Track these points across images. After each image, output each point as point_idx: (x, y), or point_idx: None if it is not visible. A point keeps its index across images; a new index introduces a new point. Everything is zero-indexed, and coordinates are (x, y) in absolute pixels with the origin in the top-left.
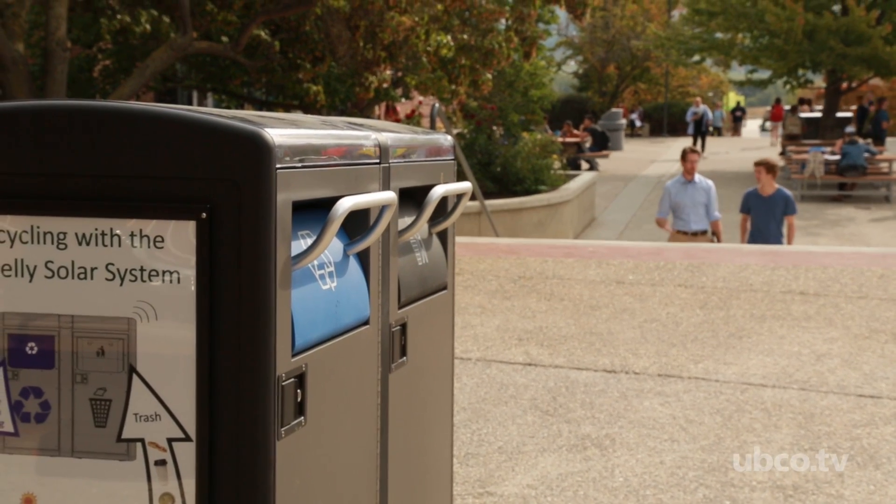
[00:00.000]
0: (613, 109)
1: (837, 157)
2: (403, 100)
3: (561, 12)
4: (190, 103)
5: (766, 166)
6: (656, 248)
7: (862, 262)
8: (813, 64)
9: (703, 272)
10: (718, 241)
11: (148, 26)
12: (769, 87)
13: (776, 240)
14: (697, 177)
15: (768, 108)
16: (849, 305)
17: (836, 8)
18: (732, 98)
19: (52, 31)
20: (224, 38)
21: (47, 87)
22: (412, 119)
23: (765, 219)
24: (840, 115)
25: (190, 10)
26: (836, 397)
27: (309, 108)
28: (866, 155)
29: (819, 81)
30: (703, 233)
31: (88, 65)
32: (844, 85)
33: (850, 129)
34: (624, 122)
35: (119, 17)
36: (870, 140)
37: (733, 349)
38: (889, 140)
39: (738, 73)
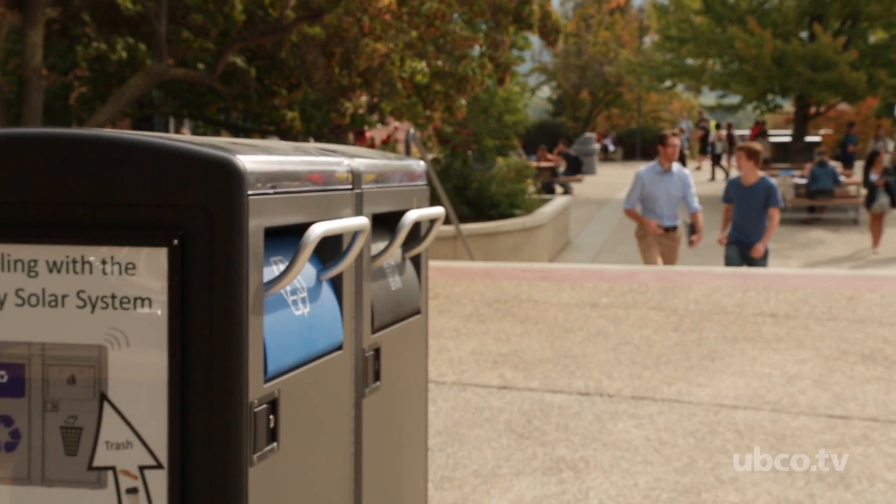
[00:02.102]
0: (587, 134)
1: (806, 181)
2: (379, 125)
3: (534, 39)
4: (167, 130)
5: (746, 152)
6: (630, 270)
7: (831, 284)
8: (782, 89)
9: (675, 295)
10: (698, 233)
11: (124, 54)
12: (739, 111)
13: (757, 233)
14: (675, 166)
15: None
16: (819, 327)
17: (804, 34)
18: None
19: (27, 59)
20: (200, 65)
21: (23, 115)
22: (388, 144)
23: (746, 210)
24: (809, 139)
25: (166, 37)
26: (807, 418)
27: (285, 134)
28: (842, 178)
29: (788, 106)
30: (674, 229)
31: (64, 92)
32: (813, 110)
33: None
34: (597, 146)
35: (95, 44)
36: (839, 163)
37: (706, 371)
38: (857, 164)
39: (709, 97)
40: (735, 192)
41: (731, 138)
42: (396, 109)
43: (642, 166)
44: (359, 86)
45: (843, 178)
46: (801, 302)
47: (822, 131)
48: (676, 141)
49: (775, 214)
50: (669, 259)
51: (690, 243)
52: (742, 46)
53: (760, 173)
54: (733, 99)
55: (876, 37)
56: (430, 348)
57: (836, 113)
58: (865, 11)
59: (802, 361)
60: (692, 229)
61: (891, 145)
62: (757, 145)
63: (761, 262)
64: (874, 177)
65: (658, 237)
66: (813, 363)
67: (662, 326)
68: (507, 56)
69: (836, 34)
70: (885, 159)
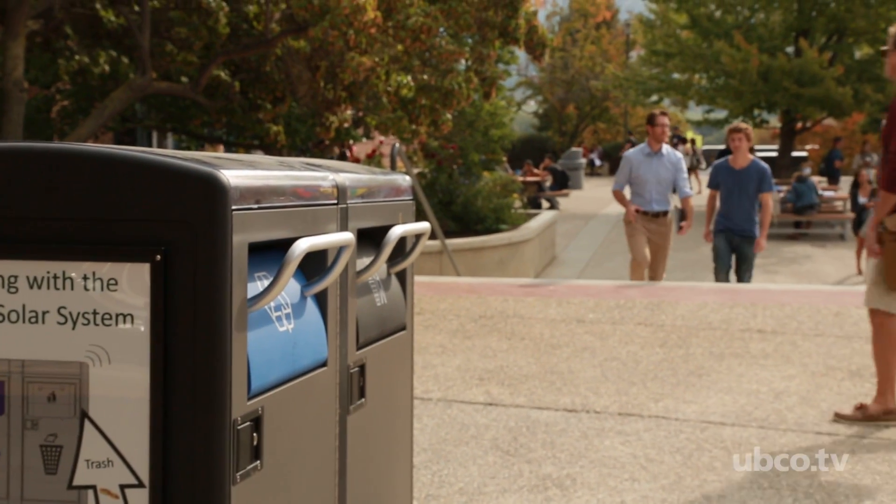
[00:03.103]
0: (573, 149)
1: (789, 197)
2: (364, 139)
3: (520, 53)
4: (150, 144)
5: (746, 133)
6: (616, 286)
7: (818, 299)
8: (768, 104)
9: (662, 310)
10: (688, 220)
11: (107, 67)
12: (725, 126)
13: (748, 219)
14: (665, 148)
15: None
16: (806, 343)
17: (790, 50)
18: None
19: (8, 72)
20: (184, 79)
21: (3, 128)
22: (373, 159)
23: (736, 196)
24: (795, 154)
25: (149, 50)
26: (795, 435)
27: (270, 148)
28: (825, 193)
29: (774, 121)
30: (665, 214)
31: (46, 105)
32: (799, 125)
33: (808, 169)
34: (584, 161)
35: (77, 57)
36: (825, 178)
37: (693, 387)
38: (843, 179)
39: (696, 112)
40: (724, 177)
41: (695, 153)
42: (382, 123)
43: (630, 149)
44: (344, 100)
45: (831, 194)
46: (789, 318)
47: (809, 146)
48: (665, 120)
49: (769, 200)
50: (659, 246)
51: (679, 229)
52: (728, 61)
53: (750, 156)
54: (720, 114)
55: (862, 52)
56: (415, 364)
57: (822, 128)
58: (851, 27)
59: (790, 377)
60: (682, 215)
61: (877, 160)
62: (745, 125)
63: (750, 252)
64: (862, 199)
65: (646, 223)
66: (800, 379)
67: (649, 342)
68: (493, 70)
69: (821, 49)
70: (872, 177)
